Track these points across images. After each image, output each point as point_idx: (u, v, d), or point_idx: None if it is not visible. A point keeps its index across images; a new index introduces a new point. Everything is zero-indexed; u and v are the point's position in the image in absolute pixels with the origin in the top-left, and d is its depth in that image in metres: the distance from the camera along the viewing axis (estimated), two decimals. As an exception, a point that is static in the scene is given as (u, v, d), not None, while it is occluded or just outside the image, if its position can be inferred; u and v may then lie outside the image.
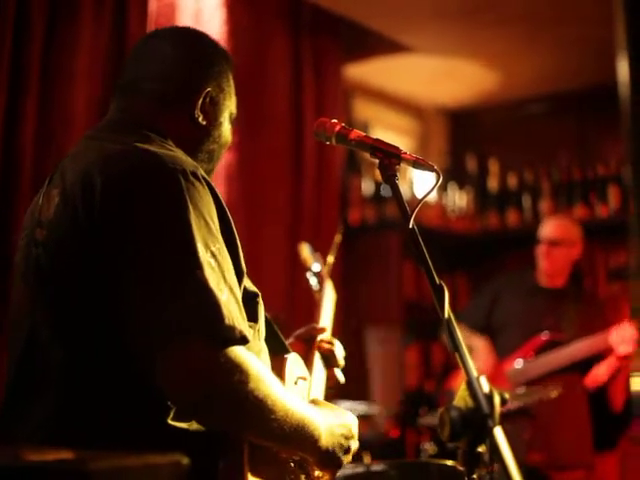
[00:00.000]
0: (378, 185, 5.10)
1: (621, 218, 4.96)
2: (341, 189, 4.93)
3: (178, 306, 1.46)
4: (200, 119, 1.82)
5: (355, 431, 1.78)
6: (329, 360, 2.11)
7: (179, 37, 1.91)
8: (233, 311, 1.51)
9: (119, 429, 1.55)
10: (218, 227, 1.59)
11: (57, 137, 3.30)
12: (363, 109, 5.67)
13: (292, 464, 1.70)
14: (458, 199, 5.76)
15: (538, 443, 3.91)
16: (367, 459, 2.83)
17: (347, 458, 1.75)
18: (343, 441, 1.73)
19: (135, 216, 1.54)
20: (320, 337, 2.12)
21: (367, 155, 1.78)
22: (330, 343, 2.12)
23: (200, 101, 1.82)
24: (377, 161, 1.73)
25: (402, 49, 5.09)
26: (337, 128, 1.80)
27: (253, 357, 1.55)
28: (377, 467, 2.37)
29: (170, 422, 1.55)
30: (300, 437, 1.61)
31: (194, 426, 1.57)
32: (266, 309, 1.81)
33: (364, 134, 1.79)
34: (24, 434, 1.60)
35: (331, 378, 2.13)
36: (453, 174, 5.90)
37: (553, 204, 5.60)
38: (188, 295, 1.47)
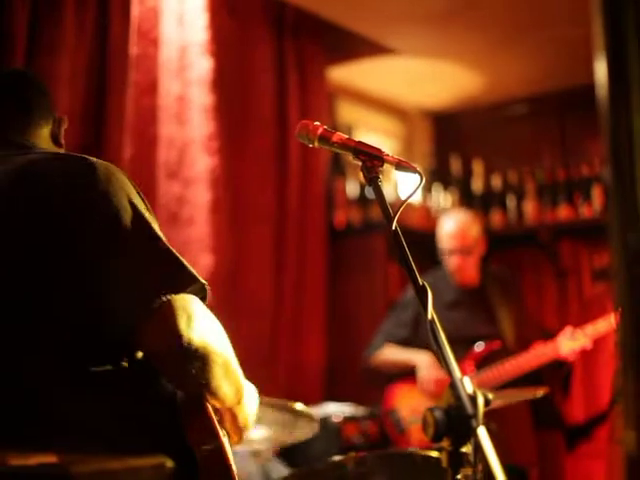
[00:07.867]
0: (363, 187, 5.10)
1: (605, 218, 4.99)
2: (326, 191, 4.93)
3: (161, 271, 1.62)
4: (59, 138, 1.98)
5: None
6: None
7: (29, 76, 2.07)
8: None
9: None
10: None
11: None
12: (347, 112, 5.67)
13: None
14: (443, 200, 5.76)
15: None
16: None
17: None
18: (254, 409, 1.83)
19: (103, 208, 1.64)
20: None
21: (351, 157, 1.79)
22: None
23: (57, 124, 1.97)
24: (360, 163, 1.74)
25: (385, 52, 5.10)
26: (319, 131, 1.80)
27: None
28: (363, 456, 2.37)
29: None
30: (235, 390, 1.70)
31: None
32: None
33: (347, 136, 1.80)
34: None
35: None
36: (437, 175, 5.91)
37: (537, 204, 5.62)
38: (166, 260, 1.63)
